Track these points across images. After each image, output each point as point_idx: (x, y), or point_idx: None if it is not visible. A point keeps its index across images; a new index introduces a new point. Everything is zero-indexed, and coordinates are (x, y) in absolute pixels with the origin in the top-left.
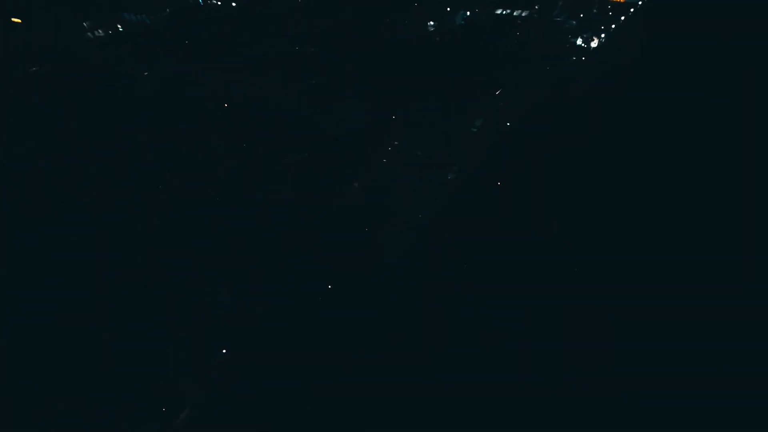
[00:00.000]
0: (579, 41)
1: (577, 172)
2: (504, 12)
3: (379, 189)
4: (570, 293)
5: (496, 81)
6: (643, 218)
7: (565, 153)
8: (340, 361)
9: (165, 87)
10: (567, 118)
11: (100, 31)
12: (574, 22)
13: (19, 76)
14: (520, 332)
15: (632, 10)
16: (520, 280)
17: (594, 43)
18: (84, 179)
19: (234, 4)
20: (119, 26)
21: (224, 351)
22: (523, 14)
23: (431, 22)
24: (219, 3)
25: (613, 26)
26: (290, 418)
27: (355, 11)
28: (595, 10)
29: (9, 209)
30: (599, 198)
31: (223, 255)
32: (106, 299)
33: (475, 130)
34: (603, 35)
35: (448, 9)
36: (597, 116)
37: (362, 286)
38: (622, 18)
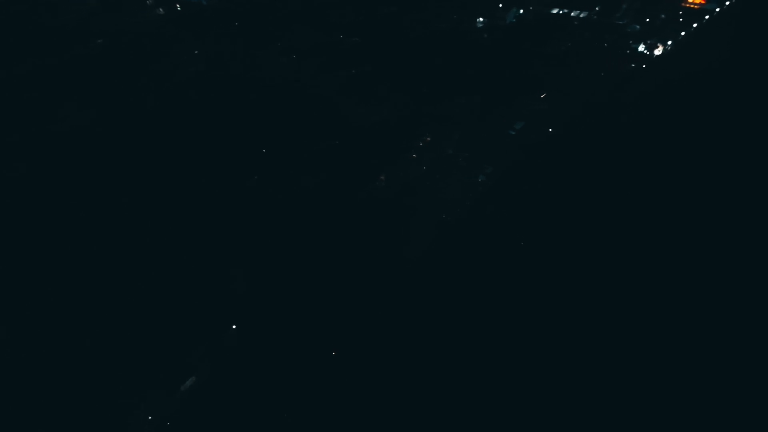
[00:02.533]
0: (641, 47)
1: (618, 193)
2: (560, 11)
3: (405, 184)
4: (589, 303)
5: (542, 83)
6: (691, 240)
7: (609, 169)
8: (345, 350)
9: (212, 66)
10: (616, 131)
11: (161, 9)
12: (638, 27)
13: (85, 49)
14: (531, 336)
15: (707, 17)
16: (536, 289)
17: (658, 51)
18: (133, 146)
19: None
20: (178, 6)
21: (234, 326)
22: (582, 15)
23: (480, 18)
24: None
25: (683, 33)
26: (290, 399)
27: (403, 3)
28: (663, 15)
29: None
30: (639, 224)
31: (244, 237)
32: (135, 271)
33: (513, 133)
34: (669, 43)
35: (500, 5)
36: (651, 132)
37: (379, 279)
38: (695, 25)
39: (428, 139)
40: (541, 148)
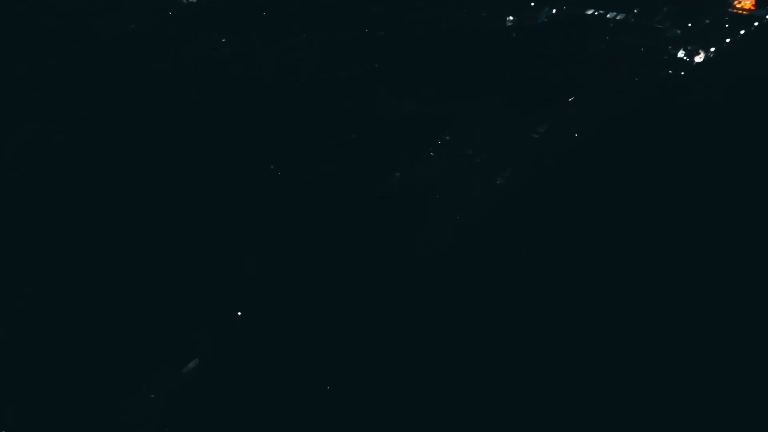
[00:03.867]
0: (681, 53)
1: (643, 207)
2: (596, 13)
3: (421, 183)
4: (608, 320)
5: (571, 86)
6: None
7: (635, 181)
8: (348, 345)
9: (239, 55)
10: (647, 141)
11: None
12: (679, 32)
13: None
14: (540, 344)
15: (756, 24)
16: (548, 297)
17: (699, 58)
18: (139, 143)
19: None
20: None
21: (239, 313)
22: (618, 17)
23: (510, 17)
24: None
25: (728, 41)
26: (291, 384)
27: None
28: (707, 20)
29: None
30: (664, 244)
31: (257, 228)
32: (149, 254)
33: (536, 136)
34: (713, 50)
35: (532, 4)
36: (685, 145)
37: (387, 277)
38: (742, 32)
39: (447, 137)
40: (564, 154)
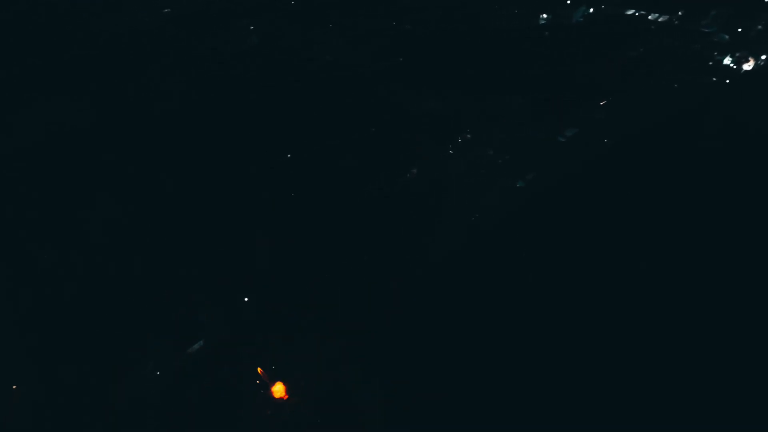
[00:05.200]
0: (727, 60)
1: (667, 222)
2: (636, 13)
3: (438, 181)
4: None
5: (604, 90)
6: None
7: (663, 194)
8: (351, 338)
9: (264, 41)
10: (683, 152)
11: None
12: (727, 37)
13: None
14: (549, 348)
15: None
16: (557, 304)
17: (748, 66)
18: (185, 114)
19: None
20: None
21: (246, 299)
22: (661, 19)
23: (544, 15)
24: None
25: None
26: (292, 377)
27: None
28: (759, 26)
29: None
30: (695, 265)
31: (270, 215)
32: (162, 238)
33: (563, 139)
34: (763, 57)
35: (568, 2)
36: (725, 158)
37: (397, 275)
38: None
39: (468, 136)
40: (591, 160)
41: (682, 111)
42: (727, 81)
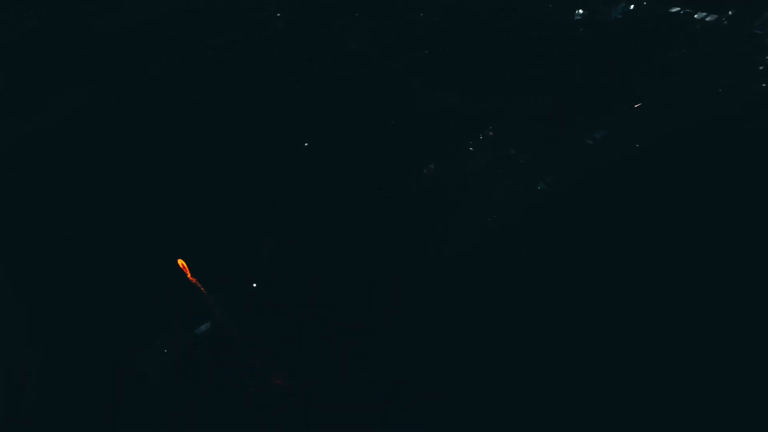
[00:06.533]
0: None
1: (700, 241)
2: (681, 11)
3: (455, 178)
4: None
5: (640, 92)
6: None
7: (695, 205)
8: (356, 334)
9: (290, 27)
10: (720, 165)
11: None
12: None
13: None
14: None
15: None
16: (572, 317)
17: None
18: (200, 104)
19: None
20: None
21: (254, 285)
22: (708, 18)
23: (579, 11)
24: None
25: None
26: (294, 370)
27: None
28: None
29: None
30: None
31: (277, 205)
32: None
33: (591, 142)
34: None
35: None
36: (764, 172)
37: (405, 271)
38: None
39: (490, 133)
40: (620, 165)
41: (724, 118)
42: None
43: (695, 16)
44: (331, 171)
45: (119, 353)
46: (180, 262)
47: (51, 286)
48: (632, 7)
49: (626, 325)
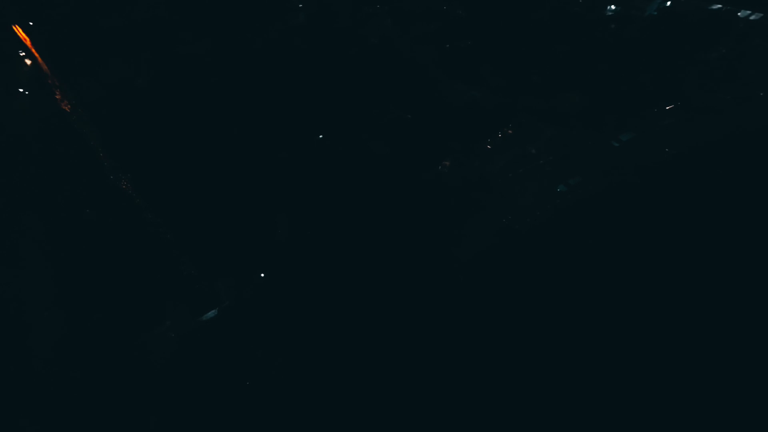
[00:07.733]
0: None
1: (723, 249)
2: (724, 9)
3: (471, 176)
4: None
5: (674, 93)
6: None
7: (725, 216)
8: (354, 339)
9: (313, 19)
10: (753, 170)
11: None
12: None
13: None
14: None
15: None
16: (583, 316)
17: None
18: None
19: None
20: None
21: (262, 275)
22: (753, 17)
23: (612, 6)
24: None
25: None
26: (301, 353)
27: None
28: None
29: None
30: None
31: (293, 194)
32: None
33: (617, 144)
34: None
35: None
36: None
37: (418, 270)
38: None
39: (510, 132)
40: (646, 169)
41: (763, 123)
42: None
43: (738, 13)
44: (348, 165)
45: (129, 332)
46: (15, 28)
47: (64, 266)
48: (669, 3)
49: (646, 326)
